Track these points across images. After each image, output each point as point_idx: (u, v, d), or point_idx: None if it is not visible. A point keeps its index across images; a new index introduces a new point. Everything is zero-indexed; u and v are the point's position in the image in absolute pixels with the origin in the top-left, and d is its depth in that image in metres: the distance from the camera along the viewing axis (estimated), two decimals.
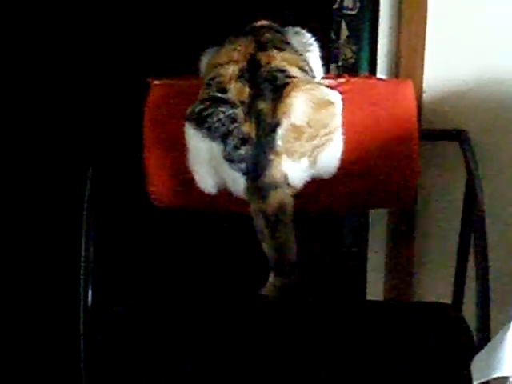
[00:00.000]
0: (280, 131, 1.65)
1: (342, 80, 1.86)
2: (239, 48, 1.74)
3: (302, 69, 1.74)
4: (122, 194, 2.20)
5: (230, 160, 1.67)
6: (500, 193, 1.95)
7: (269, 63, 1.70)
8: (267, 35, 1.77)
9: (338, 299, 2.15)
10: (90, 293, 1.76)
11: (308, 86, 1.70)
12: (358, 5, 2.00)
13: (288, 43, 1.78)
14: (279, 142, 1.66)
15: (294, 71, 1.71)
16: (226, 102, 1.68)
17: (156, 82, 1.89)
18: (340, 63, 2.05)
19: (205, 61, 1.85)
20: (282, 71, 1.70)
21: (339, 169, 1.79)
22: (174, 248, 2.35)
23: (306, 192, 1.74)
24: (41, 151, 2.40)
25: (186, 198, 1.88)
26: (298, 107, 1.67)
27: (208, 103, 1.69)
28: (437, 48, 1.92)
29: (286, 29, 1.85)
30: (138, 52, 2.24)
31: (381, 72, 1.99)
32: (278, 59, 1.72)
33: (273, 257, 1.71)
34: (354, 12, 2.02)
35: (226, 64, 1.73)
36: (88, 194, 1.80)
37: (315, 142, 1.70)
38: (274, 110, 1.66)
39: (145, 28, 2.24)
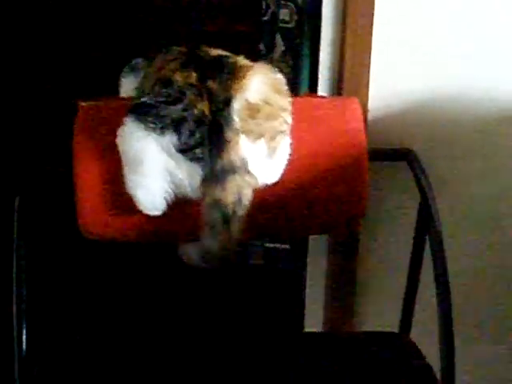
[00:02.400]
0: (235, 106, 1.54)
1: None
2: (175, 52, 1.64)
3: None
4: (51, 226, 2.02)
5: (184, 150, 1.54)
6: (449, 212, 1.88)
7: (209, 54, 1.61)
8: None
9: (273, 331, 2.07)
10: (24, 337, 1.58)
11: (263, 70, 1.61)
12: (295, 18, 1.91)
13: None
14: (235, 118, 1.54)
15: (238, 57, 1.62)
16: (173, 99, 1.54)
17: (83, 104, 1.74)
18: None
19: (125, 82, 1.75)
20: (227, 57, 1.61)
21: (283, 191, 1.68)
22: (108, 282, 2.18)
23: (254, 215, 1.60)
24: None
25: (121, 228, 1.72)
26: (253, 84, 1.57)
27: (153, 95, 1.56)
28: (382, 64, 1.83)
29: None
30: (63, 75, 2.08)
31: (322, 89, 1.89)
32: (219, 51, 1.63)
33: (217, 250, 1.58)
34: (290, 25, 1.92)
35: (163, 65, 1.61)
36: (17, 226, 1.63)
37: (276, 123, 1.60)
38: (227, 87, 1.55)
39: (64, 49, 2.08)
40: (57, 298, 2.11)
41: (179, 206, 1.61)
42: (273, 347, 1.82)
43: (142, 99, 1.58)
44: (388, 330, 1.91)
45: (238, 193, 1.55)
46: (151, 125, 1.54)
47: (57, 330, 1.95)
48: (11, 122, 2.08)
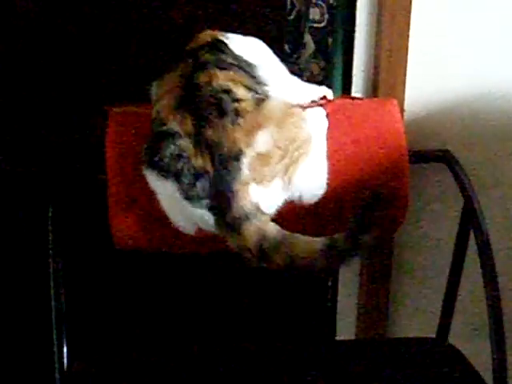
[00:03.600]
0: (245, 160, 1.47)
1: (321, 102, 1.70)
2: (178, 73, 1.56)
3: (249, 88, 1.54)
4: (84, 235, 1.97)
5: (188, 198, 1.49)
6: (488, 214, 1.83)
7: (209, 83, 1.51)
8: (207, 55, 1.57)
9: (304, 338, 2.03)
10: (65, 350, 1.52)
11: (268, 115, 1.52)
12: (326, 17, 1.86)
13: (233, 63, 1.57)
14: (246, 172, 1.47)
15: (240, 92, 1.51)
16: (168, 136, 1.49)
17: (114, 110, 1.69)
18: (305, 80, 1.89)
19: (154, 90, 1.65)
20: (227, 92, 1.50)
21: (325, 196, 1.64)
22: (142, 293, 2.13)
23: (288, 222, 1.56)
24: None
25: (153, 239, 1.68)
26: (262, 137, 1.49)
27: (152, 142, 1.52)
28: (419, 64, 1.79)
29: (231, 36, 1.65)
30: (94, 81, 2.03)
31: (356, 90, 1.85)
32: (221, 78, 1.52)
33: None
34: (321, 25, 1.87)
35: (163, 95, 1.55)
36: (51, 235, 1.57)
37: (286, 160, 1.52)
38: (230, 139, 1.47)
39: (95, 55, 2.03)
40: (91, 309, 2.06)
41: None
42: (304, 356, 1.78)
43: (145, 148, 1.53)
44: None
45: (259, 233, 1.49)
46: (156, 172, 1.51)
47: (94, 342, 1.89)
48: (43, 130, 2.03)
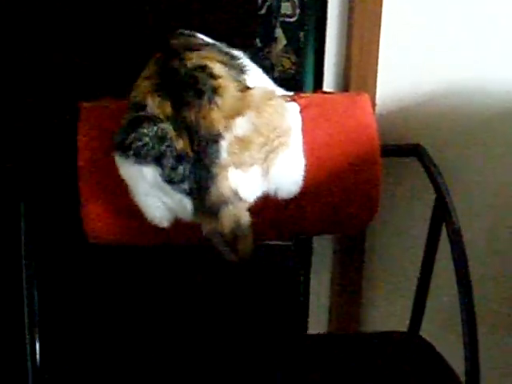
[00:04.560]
0: (224, 144, 1.46)
1: (293, 95, 1.69)
2: (153, 62, 1.56)
3: (225, 64, 1.54)
4: (56, 231, 1.94)
5: (170, 181, 1.48)
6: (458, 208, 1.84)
7: (184, 65, 1.51)
8: (176, 42, 1.58)
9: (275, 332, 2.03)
10: (37, 347, 1.51)
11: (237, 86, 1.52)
12: (297, 11, 1.86)
13: (203, 44, 1.59)
14: (224, 155, 1.47)
15: (216, 67, 1.51)
16: (148, 119, 1.48)
17: (86, 105, 1.68)
18: (276, 74, 1.90)
19: None
20: (202, 68, 1.50)
21: (299, 192, 1.64)
22: (113, 286, 2.11)
23: (263, 216, 1.58)
24: None
25: (125, 232, 1.67)
26: (239, 120, 1.48)
27: (129, 127, 1.49)
28: (390, 58, 1.79)
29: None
30: (65, 76, 2.00)
31: (327, 85, 1.85)
32: (195, 58, 1.52)
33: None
34: (292, 19, 1.87)
35: (140, 82, 1.54)
36: (24, 233, 1.56)
37: (267, 148, 1.52)
38: (207, 118, 1.46)
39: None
40: (63, 304, 2.04)
41: None
42: (274, 349, 1.78)
43: (121, 135, 1.50)
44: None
45: (235, 220, 1.51)
46: (133, 158, 1.49)
47: (66, 337, 1.87)
48: (13, 126, 2.00)
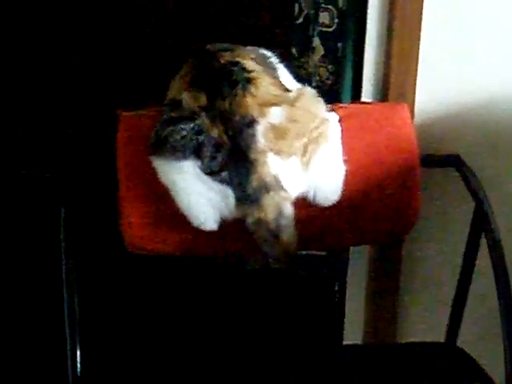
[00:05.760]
0: (259, 128, 1.48)
1: (331, 105, 1.68)
2: (187, 65, 1.60)
3: (257, 62, 1.58)
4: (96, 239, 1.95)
5: (210, 173, 1.49)
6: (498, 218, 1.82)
7: (218, 61, 1.54)
8: (211, 46, 1.62)
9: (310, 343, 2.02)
10: (78, 356, 1.51)
11: (272, 81, 1.55)
12: (335, 21, 1.86)
13: (237, 47, 1.62)
14: (261, 140, 1.48)
15: (250, 63, 1.55)
16: (184, 118, 1.50)
17: (125, 114, 1.69)
18: (314, 84, 1.90)
19: None
20: (235, 64, 1.54)
21: (338, 200, 1.63)
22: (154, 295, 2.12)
23: (302, 227, 1.57)
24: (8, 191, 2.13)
25: (164, 241, 1.67)
26: (273, 109, 1.50)
27: (164, 125, 1.52)
28: (429, 69, 1.79)
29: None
30: (105, 85, 2.02)
31: (366, 95, 1.84)
32: (228, 56, 1.56)
33: (279, 255, 1.55)
34: (330, 29, 1.87)
35: (175, 82, 1.59)
36: (63, 238, 1.56)
37: (305, 140, 1.53)
38: (241, 105, 1.49)
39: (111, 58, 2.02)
40: (103, 312, 2.05)
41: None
42: (311, 361, 1.77)
43: (157, 134, 1.54)
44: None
45: (277, 208, 1.51)
46: (171, 156, 1.50)
47: (108, 346, 1.88)
48: (56, 133, 2.02)
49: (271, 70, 1.60)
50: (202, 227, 1.56)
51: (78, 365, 1.55)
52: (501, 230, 1.67)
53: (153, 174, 1.58)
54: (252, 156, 1.48)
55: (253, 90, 1.51)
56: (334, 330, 2.07)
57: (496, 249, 1.62)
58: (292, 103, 1.54)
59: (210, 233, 1.58)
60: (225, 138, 1.48)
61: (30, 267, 2.11)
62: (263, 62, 1.61)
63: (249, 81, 1.52)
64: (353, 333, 2.05)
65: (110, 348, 1.94)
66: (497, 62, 1.82)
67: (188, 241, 1.64)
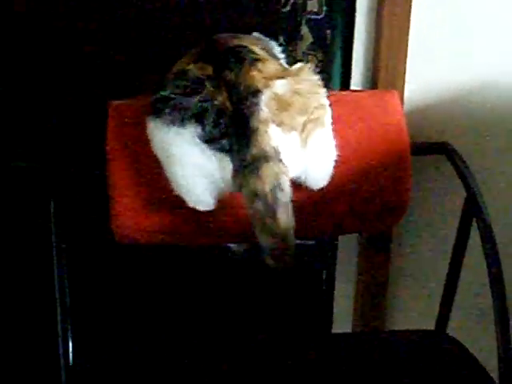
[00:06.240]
0: (263, 98, 1.47)
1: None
2: (193, 50, 1.59)
3: (265, 49, 1.59)
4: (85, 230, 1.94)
5: (210, 140, 1.47)
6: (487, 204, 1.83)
7: (226, 44, 1.55)
8: (217, 34, 1.62)
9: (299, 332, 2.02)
10: (70, 346, 1.49)
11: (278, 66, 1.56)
12: (324, 8, 1.85)
13: (244, 36, 1.63)
14: (264, 108, 1.47)
15: (257, 49, 1.56)
16: (189, 89, 1.49)
17: (114, 103, 1.67)
18: None
19: None
20: (243, 46, 1.54)
21: (329, 187, 1.63)
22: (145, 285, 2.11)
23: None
24: None
25: (154, 230, 1.66)
26: (278, 81, 1.50)
27: (169, 94, 1.51)
28: (419, 56, 1.79)
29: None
30: (95, 74, 2.00)
31: (355, 83, 1.84)
32: (236, 41, 1.57)
33: (274, 245, 1.50)
34: (319, 17, 1.86)
35: (180, 59, 1.58)
36: (54, 230, 1.55)
37: (305, 117, 1.53)
38: (246, 77, 1.49)
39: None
40: (93, 304, 2.04)
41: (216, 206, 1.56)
42: (300, 349, 1.77)
43: (158, 94, 1.52)
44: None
45: (276, 179, 1.47)
46: (170, 117, 1.48)
47: (99, 338, 1.87)
48: (43, 125, 2.00)
49: (277, 59, 1.62)
50: (199, 204, 1.55)
51: (70, 354, 1.54)
52: (490, 216, 1.68)
53: (143, 161, 1.58)
54: (254, 124, 1.46)
55: (260, 66, 1.51)
56: (322, 319, 2.08)
57: (487, 235, 1.62)
58: (296, 74, 1.55)
59: (202, 221, 1.57)
60: (228, 104, 1.47)
61: (21, 259, 2.09)
62: (270, 52, 1.62)
63: (256, 59, 1.52)
64: (342, 321, 2.06)
65: (102, 338, 1.93)
66: (487, 49, 1.82)
67: (177, 227, 1.63)
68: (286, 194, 1.49)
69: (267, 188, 1.47)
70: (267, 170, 1.47)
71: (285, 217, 1.49)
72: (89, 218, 1.87)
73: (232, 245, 1.83)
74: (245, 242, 1.62)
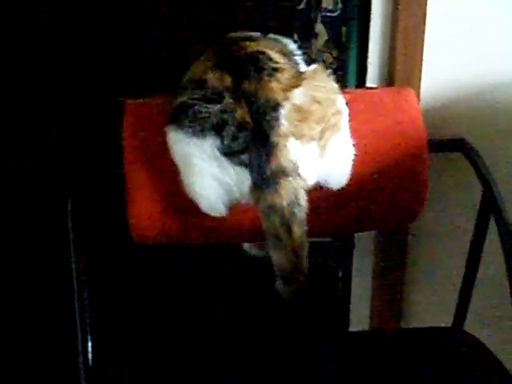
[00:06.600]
0: (283, 111, 1.47)
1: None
2: (210, 51, 1.58)
3: (283, 53, 1.58)
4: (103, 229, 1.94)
5: (229, 153, 1.47)
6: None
7: (244, 50, 1.54)
8: (233, 34, 1.62)
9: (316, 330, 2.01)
10: (89, 348, 1.50)
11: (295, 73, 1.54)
12: (339, 6, 1.85)
13: (261, 37, 1.62)
14: (284, 123, 1.47)
15: (275, 55, 1.54)
16: (209, 98, 1.48)
17: (130, 101, 1.67)
18: None
19: None
20: (262, 53, 1.53)
21: (346, 185, 1.63)
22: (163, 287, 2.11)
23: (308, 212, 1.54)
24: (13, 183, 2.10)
25: (172, 230, 1.66)
26: (297, 90, 1.50)
27: (188, 100, 1.50)
28: (435, 53, 1.78)
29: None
30: (112, 73, 2.01)
31: (371, 80, 1.84)
32: (253, 46, 1.55)
33: (287, 264, 1.51)
34: (334, 14, 1.86)
35: (196, 65, 1.57)
36: (71, 229, 1.55)
37: (323, 124, 1.52)
38: (266, 88, 1.48)
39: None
40: (110, 304, 2.03)
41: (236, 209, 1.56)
42: (317, 348, 1.76)
43: (178, 100, 1.52)
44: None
45: (294, 194, 1.48)
46: (190, 130, 1.48)
47: (119, 337, 1.87)
48: (61, 124, 2.00)
49: (294, 65, 1.59)
50: (212, 211, 1.55)
51: (90, 356, 1.54)
52: (508, 212, 1.67)
53: (159, 162, 1.58)
54: (274, 139, 1.46)
55: (279, 76, 1.50)
56: (339, 317, 2.07)
57: (506, 231, 1.62)
58: (311, 76, 1.54)
59: (218, 223, 1.57)
60: (248, 118, 1.47)
61: (39, 259, 2.09)
62: (287, 55, 1.60)
63: (275, 69, 1.51)
64: (359, 320, 2.05)
65: (121, 339, 1.93)
66: (504, 45, 1.81)
67: (193, 228, 1.63)
68: (303, 208, 1.50)
69: (285, 203, 1.47)
70: (286, 185, 1.47)
71: (299, 232, 1.50)
72: (106, 217, 1.87)
73: (254, 251, 1.82)
74: (259, 241, 1.61)
